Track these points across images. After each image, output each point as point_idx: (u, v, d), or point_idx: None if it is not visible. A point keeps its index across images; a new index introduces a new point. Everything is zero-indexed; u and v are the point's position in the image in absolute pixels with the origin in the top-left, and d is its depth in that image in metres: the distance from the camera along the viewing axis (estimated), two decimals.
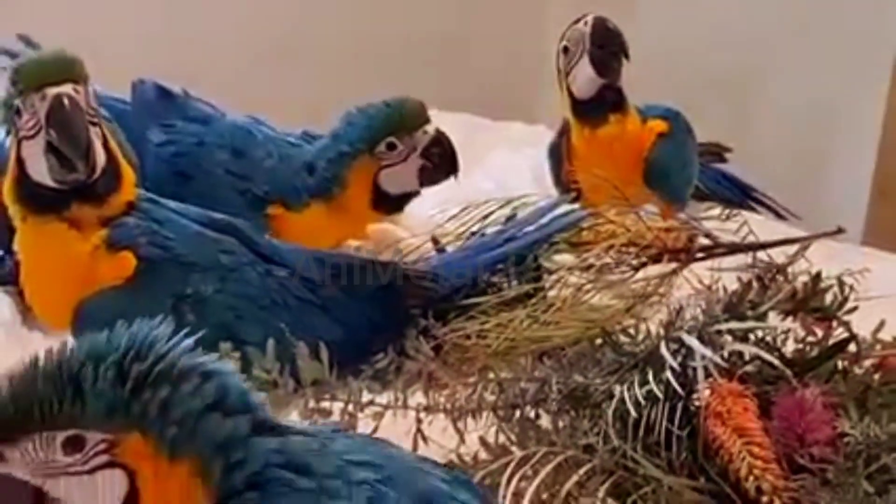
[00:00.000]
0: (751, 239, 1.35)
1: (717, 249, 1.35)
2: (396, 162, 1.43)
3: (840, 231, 1.43)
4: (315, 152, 1.49)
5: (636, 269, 1.30)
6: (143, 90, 1.52)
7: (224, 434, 0.68)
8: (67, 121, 1.07)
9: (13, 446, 0.67)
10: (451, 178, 1.45)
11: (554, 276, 1.30)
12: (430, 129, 1.43)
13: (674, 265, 1.29)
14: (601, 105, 1.56)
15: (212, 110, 1.54)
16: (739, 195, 1.82)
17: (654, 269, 1.30)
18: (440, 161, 1.43)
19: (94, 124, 1.09)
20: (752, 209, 1.81)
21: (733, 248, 1.34)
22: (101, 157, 1.09)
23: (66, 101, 1.06)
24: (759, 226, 1.40)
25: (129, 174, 1.13)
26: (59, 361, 0.67)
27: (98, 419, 0.66)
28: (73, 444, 0.67)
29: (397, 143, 1.42)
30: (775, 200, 1.86)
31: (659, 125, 1.62)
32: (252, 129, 1.51)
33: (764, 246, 1.29)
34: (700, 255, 1.33)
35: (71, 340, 0.70)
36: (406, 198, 1.47)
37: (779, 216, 1.85)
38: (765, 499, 0.92)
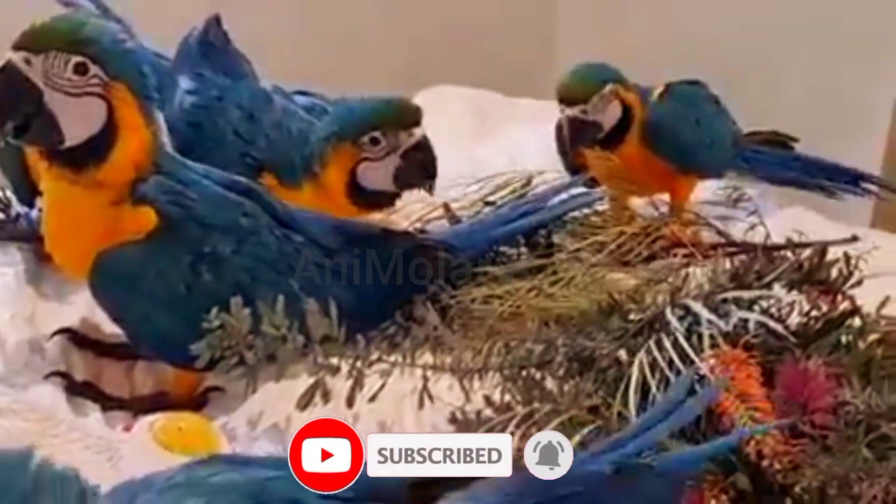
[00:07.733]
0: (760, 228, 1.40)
1: (729, 248, 1.39)
2: (376, 157, 1.40)
3: (855, 239, 1.43)
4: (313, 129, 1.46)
5: (646, 259, 1.31)
6: (188, 38, 1.50)
7: None
8: None
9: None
10: (427, 186, 1.42)
11: (563, 255, 1.31)
12: (417, 132, 1.40)
13: (684, 261, 1.29)
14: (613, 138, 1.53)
15: (248, 70, 1.52)
16: (815, 178, 1.75)
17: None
18: (418, 166, 1.40)
19: (69, 94, 1.08)
20: (830, 192, 1.76)
21: (746, 248, 1.37)
22: (73, 127, 1.09)
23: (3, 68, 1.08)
24: (771, 214, 1.41)
25: (134, 141, 1.13)
26: None
27: None
28: None
29: (381, 139, 1.39)
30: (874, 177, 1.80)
31: (657, 94, 1.58)
32: (273, 96, 1.49)
33: (777, 248, 1.25)
34: (711, 253, 1.34)
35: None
36: (383, 198, 1.44)
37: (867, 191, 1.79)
38: (765, 462, 0.93)
